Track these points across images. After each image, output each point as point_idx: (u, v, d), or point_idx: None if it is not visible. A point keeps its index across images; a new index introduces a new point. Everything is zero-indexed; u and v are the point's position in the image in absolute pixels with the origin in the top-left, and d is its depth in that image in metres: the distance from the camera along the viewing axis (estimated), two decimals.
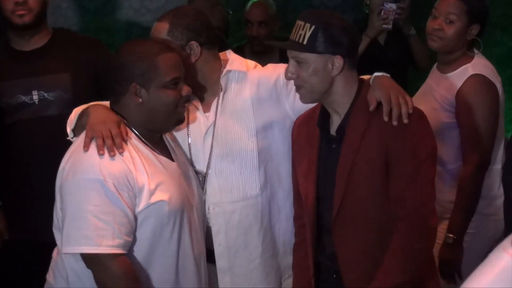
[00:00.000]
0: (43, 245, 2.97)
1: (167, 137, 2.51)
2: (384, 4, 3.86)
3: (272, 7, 4.15)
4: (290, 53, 2.23)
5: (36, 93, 3.07)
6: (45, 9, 3.10)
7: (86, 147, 2.24)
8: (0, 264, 3.13)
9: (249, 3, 4.15)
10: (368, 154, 2.22)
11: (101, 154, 2.21)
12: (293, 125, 2.51)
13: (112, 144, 2.23)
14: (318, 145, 2.34)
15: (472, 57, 3.00)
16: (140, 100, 2.31)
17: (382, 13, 3.86)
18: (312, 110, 2.44)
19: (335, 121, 2.31)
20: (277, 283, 2.66)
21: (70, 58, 3.15)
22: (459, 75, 2.98)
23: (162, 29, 2.50)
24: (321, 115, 2.34)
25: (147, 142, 2.35)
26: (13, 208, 3.12)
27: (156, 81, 2.30)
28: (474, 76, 2.94)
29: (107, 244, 2.16)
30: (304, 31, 2.18)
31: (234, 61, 2.66)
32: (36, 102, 3.07)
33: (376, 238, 2.26)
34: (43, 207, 2.88)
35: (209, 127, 2.61)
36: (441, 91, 3.01)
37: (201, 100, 2.64)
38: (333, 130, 2.31)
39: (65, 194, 2.26)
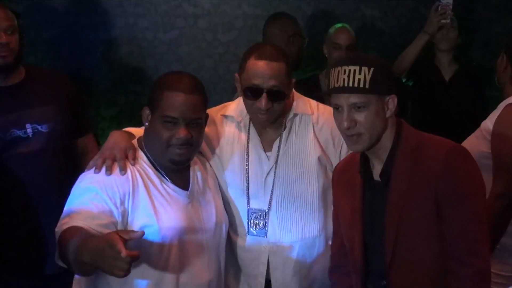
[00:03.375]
0: (34, 280, 3.11)
1: (196, 170, 2.55)
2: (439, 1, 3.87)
3: (353, 33, 4.16)
4: (346, 101, 2.15)
5: (30, 126, 3.04)
6: (23, 48, 3.09)
7: (88, 168, 2.41)
8: None
9: (333, 29, 4.15)
10: (417, 197, 2.17)
11: (96, 172, 2.34)
12: (333, 172, 2.52)
13: (110, 165, 2.34)
14: (362, 192, 2.31)
15: (509, 91, 2.99)
16: (147, 124, 2.43)
17: (439, 9, 3.87)
18: (350, 156, 2.44)
19: (376, 166, 2.28)
20: None
21: (51, 91, 3.17)
22: (501, 106, 2.98)
23: (281, 69, 2.50)
24: (362, 161, 2.31)
25: (158, 168, 2.43)
26: (6, 245, 3.03)
27: (157, 112, 2.37)
28: (510, 105, 2.92)
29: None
30: (362, 75, 2.13)
31: (299, 103, 2.68)
32: (30, 136, 3.04)
33: (433, 281, 2.20)
34: (37, 242, 3.01)
35: (271, 168, 2.63)
36: (487, 121, 2.96)
37: (262, 136, 2.64)
38: (376, 175, 2.28)
39: None
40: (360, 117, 2.15)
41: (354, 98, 2.14)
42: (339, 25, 4.19)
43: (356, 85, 2.12)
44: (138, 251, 1.89)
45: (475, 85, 4.16)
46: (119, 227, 2.26)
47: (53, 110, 3.12)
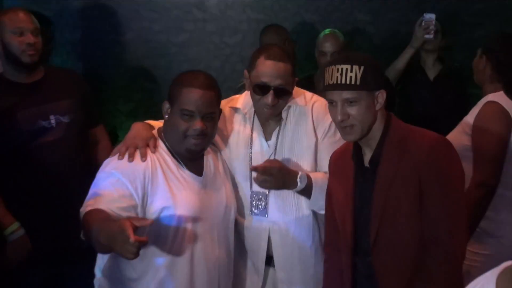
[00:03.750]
0: (59, 254, 3.14)
1: (209, 159, 2.58)
2: (424, 15, 3.89)
3: (341, 38, 4.07)
4: (339, 97, 2.17)
5: (53, 118, 3.09)
6: (47, 49, 3.16)
7: (112, 154, 2.43)
8: (25, 275, 3.11)
9: (321, 35, 4.09)
10: (402, 183, 2.17)
11: (120, 159, 2.36)
12: (329, 160, 2.50)
13: (133, 152, 2.37)
14: (354, 177, 2.32)
15: (500, 89, 2.96)
16: (166, 116, 2.46)
17: (423, 23, 3.83)
18: (346, 145, 2.44)
19: (367, 153, 2.29)
20: None
21: (67, 87, 3.22)
22: (481, 102, 2.98)
23: (287, 69, 2.52)
24: (355, 149, 2.32)
25: (175, 156, 2.45)
26: (34, 224, 3.07)
27: (176, 106, 2.40)
28: (489, 102, 2.93)
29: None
30: (354, 72, 2.14)
31: (295, 95, 2.67)
32: (54, 126, 3.09)
33: (412, 261, 2.20)
34: (64, 218, 2.99)
35: (271, 155, 2.64)
36: (468, 116, 2.96)
37: (264, 127, 2.68)
38: (366, 162, 2.29)
39: None
40: (352, 110, 2.17)
41: (346, 94, 2.16)
42: (327, 31, 4.13)
43: (348, 82, 2.14)
44: (146, 237, 1.95)
45: (457, 84, 4.09)
46: (139, 209, 2.31)
47: (71, 103, 3.17)
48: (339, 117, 2.18)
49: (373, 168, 2.25)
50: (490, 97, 2.94)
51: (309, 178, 2.52)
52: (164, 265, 2.38)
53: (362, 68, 2.14)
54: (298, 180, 2.47)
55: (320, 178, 2.54)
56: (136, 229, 1.91)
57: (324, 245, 2.57)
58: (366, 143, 2.27)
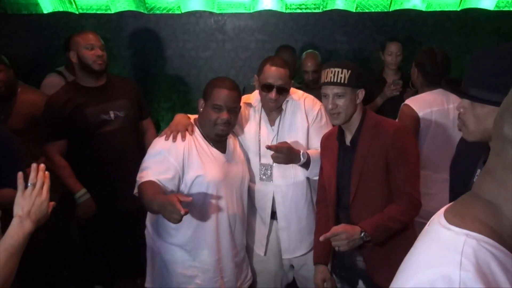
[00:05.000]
0: (117, 213, 3.15)
1: (230, 141, 2.56)
2: (393, 81, 3.74)
3: (319, 57, 3.95)
4: (331, 91, 2.20)
5: (112, 113, 3.08)
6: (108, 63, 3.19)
7: (160, 136, 2.43)
8: (92, 229, 3.16)
9: (304, 56, 3.98)
10: (374, 158, 2.21)
11: (165, 140, 2.36)
12: (321, 140, 2.51)
13: (176, 135, 2.37)
14: (337, 152, 2.35)
15: (422, 92, 2.93)
16: (201, 110, 2.45)
17: (392, 86, 3.72)
18: (332, 130, 2.47)
19: (348, 136, 2.32)
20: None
21: (123, 89, 3.20)
22: (404, 103, 2.96)
23: (286, 74, 2.52)
24: (339, 132, 2.36)
25: (206, 138, 2.45)
26: (98, 191, 3.08)
27: (209, 101, 2.40)
28: (404, 105, 2.93)
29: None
30: (343, 74, 2.16)
31: (291, 93, 2.67)
32: (113, 119, 3.08)
33: (381, 211, 2.21)
34: (120, 187, 3.00)
35: (274, 136, 2.64)
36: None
37: (269, 116, 2.68)
38: (347, 142, 2.32)
39: None
40: (340, 102, 2.19)
41: (336, 89, 2.19)
42: (310, 51, 4.02)
43: (338, 80, 2.17)
44: (187, 209, 1.94)
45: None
46: (180, 177, 2.34)
47: (126, 102, 3.15)
48: (330, 106, 2.19)
49: (353, 146, 2.27)
50: (406, 101, 2.94)
51: (308, 154, 2.52)
52: (197, 218, 2.40)
53: (349, 71, 2.16)
54: (301, 156, 2.47)
55: (315, 154, 2.52)
56: (180, 202, 1.93)
57: (316, 202, 2.57)
58: (348, 128, 2.29)
